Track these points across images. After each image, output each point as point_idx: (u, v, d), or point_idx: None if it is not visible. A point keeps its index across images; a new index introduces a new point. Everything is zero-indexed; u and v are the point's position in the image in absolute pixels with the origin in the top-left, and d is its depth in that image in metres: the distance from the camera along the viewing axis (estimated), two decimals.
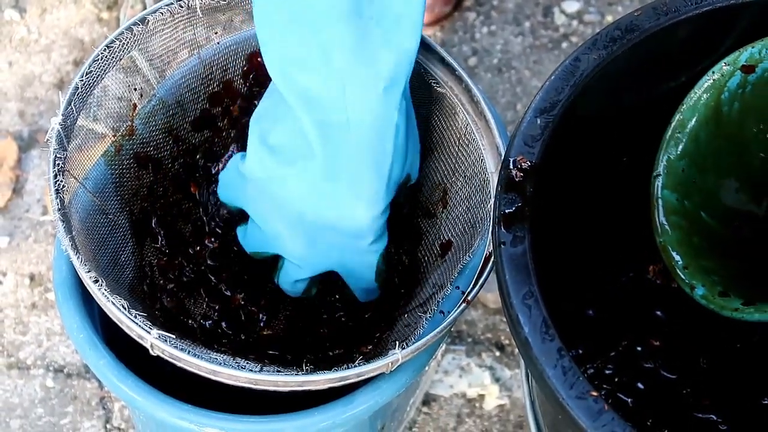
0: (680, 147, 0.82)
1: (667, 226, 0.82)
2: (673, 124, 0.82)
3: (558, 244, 0.83)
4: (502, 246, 0.74)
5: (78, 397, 1.17)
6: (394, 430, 1.08)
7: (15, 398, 1.16)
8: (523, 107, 1.25)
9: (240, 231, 0.91)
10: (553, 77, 0.79)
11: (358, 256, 0.85)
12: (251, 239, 0.90)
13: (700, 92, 0.82)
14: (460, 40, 1.30)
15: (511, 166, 0.76)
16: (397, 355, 0.80)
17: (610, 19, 1.31)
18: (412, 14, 0.78)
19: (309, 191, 0.81)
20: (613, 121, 0.85)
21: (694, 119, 0.82)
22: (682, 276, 0.80)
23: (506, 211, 0.75)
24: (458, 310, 0.82)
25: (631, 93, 0.84)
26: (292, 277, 0.89)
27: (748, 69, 0.81)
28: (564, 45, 1.29)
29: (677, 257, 0.81)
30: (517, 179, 0.76)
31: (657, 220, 0.82)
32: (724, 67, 0.81)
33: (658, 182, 0.83)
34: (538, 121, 0.78)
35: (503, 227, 0.74)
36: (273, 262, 0.91)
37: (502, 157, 0.80)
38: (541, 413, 0.91)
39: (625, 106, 0.85)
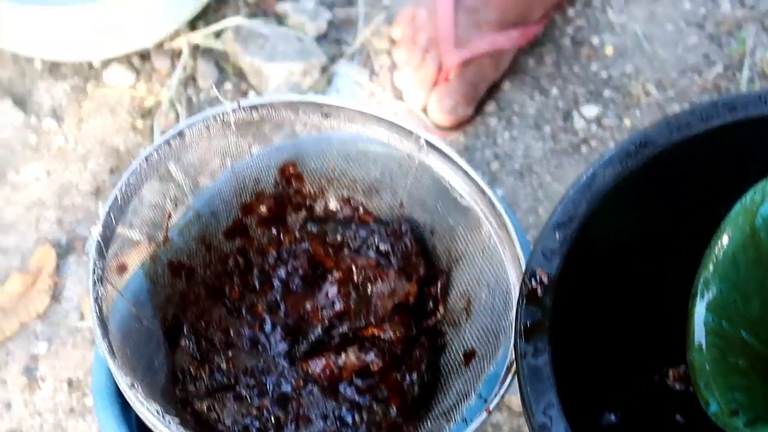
0: (718, 269, 0.80)
1: (703, 345, 0.80)
2: (711, 245, 0.80)
3: (579, 351, 0.85)
4: (524, 358, 0.76)
5: None
6: None
7: None
8: (545, 211, 1.27)
9: None
10: (570, 192, 0.82)
11: None
12: None
13: (734, 215, 0.80)
14: (483, 145, 1.32)
15: (531, 280, 0.79)
16: None
17: (627, 122, 1.33)
18: None
19: None
20: (630, 231, 0.87)
21: (730, 242, 0.80)
22: (703, 392, 0.79)
23: (527, 323, 0.78)
24: (480, 420, 0.84)
25: (647, 205, 0.87)
26: None
27: None
28: (583, 149, 1.32)
29: (702, 375, 0.79)
30: (537, 292, 0.79)
31: (694, 339, 0.80)
32: (754, 195, 0.79)
33: (697, 301, 0.80)
34: (557, 235, 0.81)
35: (524, 339, 0.77)
36: None
37: (523, 270, 0.83)
38: None
39: (642, 217, 0.87)
